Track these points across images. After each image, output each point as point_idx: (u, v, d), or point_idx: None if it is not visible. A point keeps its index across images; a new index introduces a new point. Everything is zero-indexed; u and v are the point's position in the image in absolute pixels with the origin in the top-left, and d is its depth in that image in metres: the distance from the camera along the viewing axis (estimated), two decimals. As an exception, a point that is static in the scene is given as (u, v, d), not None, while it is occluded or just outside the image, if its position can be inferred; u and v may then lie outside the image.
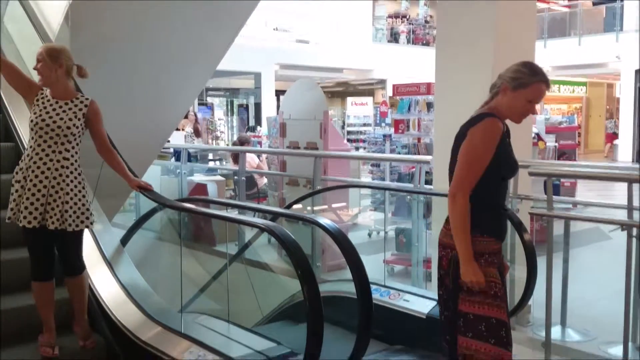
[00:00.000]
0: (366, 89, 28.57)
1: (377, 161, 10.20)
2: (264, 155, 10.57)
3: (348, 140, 19.83)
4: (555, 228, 4.33)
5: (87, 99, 3.69)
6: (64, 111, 3.56)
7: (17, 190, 3.51)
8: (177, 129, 12.11)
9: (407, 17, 28.05)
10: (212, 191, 8.55)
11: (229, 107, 25.22)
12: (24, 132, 4.96)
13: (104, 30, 5.91)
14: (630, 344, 4.12)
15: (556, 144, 10.37)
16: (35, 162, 3.49)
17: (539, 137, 9.79)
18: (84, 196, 3.60)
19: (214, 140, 21.63)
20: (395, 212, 7.99)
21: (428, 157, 6.38)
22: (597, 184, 10.46)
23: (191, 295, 5.61)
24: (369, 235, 8.74)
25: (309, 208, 6.49)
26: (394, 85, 10.99)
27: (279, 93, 23.14)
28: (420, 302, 4.40)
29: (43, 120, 3.51)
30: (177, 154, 10.41)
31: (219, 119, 23.07)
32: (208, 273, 5.80)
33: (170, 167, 9.86)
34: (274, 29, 22.48)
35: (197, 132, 14.30)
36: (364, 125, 22.02)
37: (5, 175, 4.48)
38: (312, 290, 2.86)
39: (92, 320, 3.91)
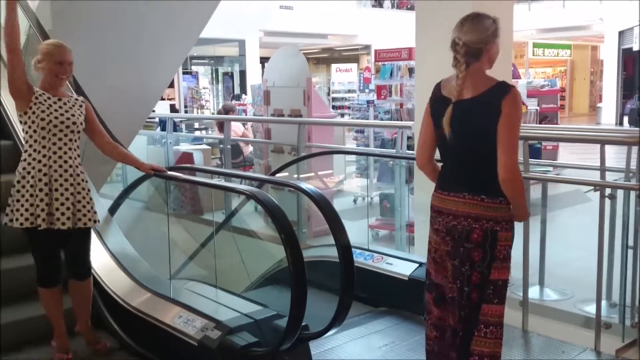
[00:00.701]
0: (351, 55, 28.44)
1: (360, 127, 10.28)
2: (249, 124, 10.60)
3: (333, 107, 19.81)
4: (535, 191, 4.43)
5: (78, 97, 3.64)
6: (70, 108, 3.50)
7: (28, 192, 3.35)
8: (162, 99, 12.07)
9: (392, -19, 27.84)
10: (198, 160, 8.61)
11: (214, 75, 25.07)
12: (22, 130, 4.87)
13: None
14: (604, 301, 4.28)
15: (537, 108, 10.47)
16: (48, 161, 3.38)
17: (521, 101, 9.86)
18: (90, 191, 3.56)
19: (200, 109, 21.58)
20: (379, 178, 8.10)
21: (410, 123, 6.46)
22: (580, 147, 10.60)
23: (180, 263, 5.72)
24: (354, 201, 8.85)
25: (295, 176, 6.57)
26: (376, 51, 11.01)
27: (263, 60, 22.98)
28: (403, 264, 4.47)
29: (56, 117, 3.41)
30: (162, 124, 10.43)
31: (203, 88, 22.99)
32: (196, 241, 5.90)
33: (156, 136, 9.89)
34: (257, -4, 22.26)
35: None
36: (349, 91, 21.97)
37: (4, 175, 4.37)
38: (295, 254, 2.96)
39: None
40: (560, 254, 5.51)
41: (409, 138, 6.40)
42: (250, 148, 9.68)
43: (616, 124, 22.34)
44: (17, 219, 3.36)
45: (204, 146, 9.70)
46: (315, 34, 24.29)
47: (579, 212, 6.98)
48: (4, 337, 3.57)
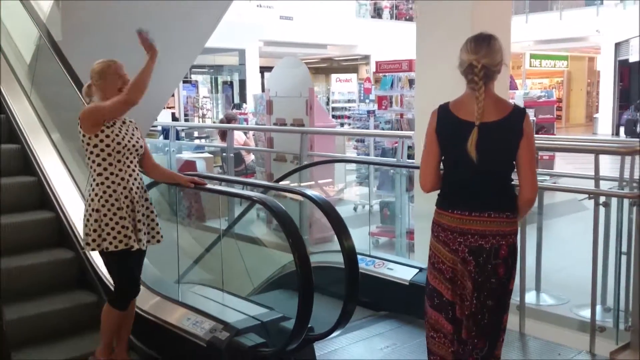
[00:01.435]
0: (350, 65, 28.59)
1: (361, 137, 10.40)
2: (250, 133, 10.73)
3: (333, 116, 19.91)
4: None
5: (131, 119, 3.61)
6: (134, 130, 3.52)
7: (116, 215, 3.34)
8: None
9: (390, -8, 28.03)
10: (200, 167, 8.73)
11: (214, 84, 25.18)
12: (30, 135, 4.94)
13: (94, 8, 5.99)
14: (599, 306, 4.39)
15: (534, 119, 10.59)
16: (127, 184, 3.39)
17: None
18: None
19: (201, 119, 21.67)
20: (379, 186, 8.23)
21: (410, 133, 6.59)
22: (576, 157, 10.71)
23: (185, 268, 5.81)
24: (355, 209, 8.97)
25: (296, 184, 6.69)
26: (377, 62, 11.14)
27: (263, 70, 23.13)
28: (404, 270, 4.56)
29: (129, 141, 3.42)
30: (165, 132, 10.55)
31: (203, 97, 23.08)
32: (200, 246, 6.00)
33: (159, 144, 10.01)
34: (257, 6, 22.41)
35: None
36: (349, 101, 22.09)
37: (7, 178, 4.44)
38: (302, 258, 3.07)
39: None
40: (556, 261, 5.63)
41: (409, 147, 6.53)
42: (252, 156, 9.81)
43: (612, 134, 22.43)
44: (110, 243, 3.32)
45: (206, 154, 9.83)
46: (315, 44, 24.43)
47: (575, 220, 7.09)
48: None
